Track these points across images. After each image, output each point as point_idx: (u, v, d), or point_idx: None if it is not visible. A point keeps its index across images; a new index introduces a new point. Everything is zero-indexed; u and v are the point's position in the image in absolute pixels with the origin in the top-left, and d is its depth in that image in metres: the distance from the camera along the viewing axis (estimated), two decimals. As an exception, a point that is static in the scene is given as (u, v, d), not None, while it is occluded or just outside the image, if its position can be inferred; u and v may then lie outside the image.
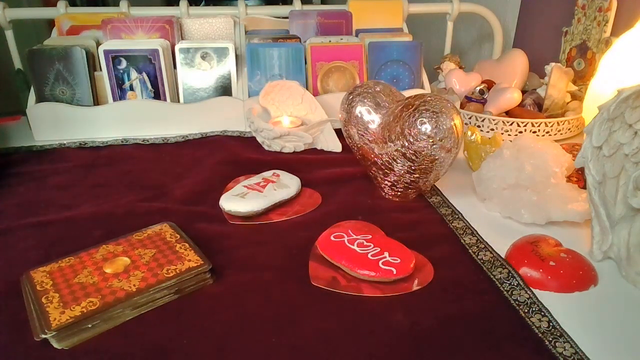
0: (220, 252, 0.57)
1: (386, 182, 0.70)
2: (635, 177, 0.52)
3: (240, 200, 0.65)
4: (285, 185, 0.70)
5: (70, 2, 1.09)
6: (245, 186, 0.68)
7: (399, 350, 0.43)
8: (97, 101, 0.97)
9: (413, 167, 0.65)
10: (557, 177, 0.64)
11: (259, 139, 0.90)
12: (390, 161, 0.66)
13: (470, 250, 0.58)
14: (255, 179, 0.71)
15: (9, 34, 1.12)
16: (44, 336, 0.43)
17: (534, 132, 0.89)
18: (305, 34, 1.09)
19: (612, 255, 0.56)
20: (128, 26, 1.01)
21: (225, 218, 0.65)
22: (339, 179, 0.77)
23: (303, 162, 0.83)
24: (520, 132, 0.90)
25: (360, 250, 0.54)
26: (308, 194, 0.72)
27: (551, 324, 0.46)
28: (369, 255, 0.53)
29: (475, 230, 0.63)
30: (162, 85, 0.97)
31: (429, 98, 0.63)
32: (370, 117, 0.69)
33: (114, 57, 0.94)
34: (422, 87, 1.04)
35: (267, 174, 0.73)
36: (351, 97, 0.71)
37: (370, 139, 0.69)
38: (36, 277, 0.49)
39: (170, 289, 0.49)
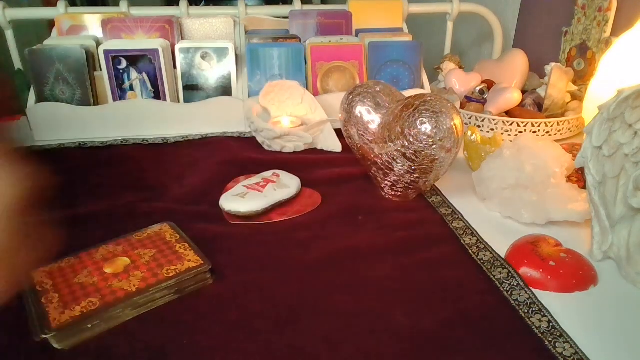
0: (220, 252, 0.57)
1: (386, 182, 0.70)
2: (635, 177, 0.52)
3: (240, 200, 0.65)
4: (285, 185, 0.70)
5: (70, 2, 1.09)
6: (245, 186, 0.68)
7: (399, 350, 0.43)
8: (97, 101, 0.97)
9: (413, 167, 0.65)
10: (557, 177, 0.64)
11: (259, 139, 0.90)
12: (390, 161, 0.66)
13: (470, 250, 0.58)
14: (255, 179, 0.71)
15: (9, 34, 1.12)
16: (44, 336, 0.43)
17: (534, 132, 0.89)
18: (305, 34, 1.09)
19: (612, 255, 0.56)
20: (128, 26, 1.01)
21: (225, 218, 0.65)
22: (339, 179, 0.77)
23: (303, 162, 0.83)
24: (520, 132, 0.90)
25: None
26: (308, 194, 0.72)
27: (551, 324, 0.46)
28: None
29: (475, 231, 0.63)
30: (162, 85, 0.97)
31: (429, 98, 0.63)
32: (370, 117, 0.69)
33: (114, 57, 0.94)
34: (422, 87, 1.04)
35: (267, 174, 0.73)
36: (351, 97, 0.71)
37: (370, 139, 0.69)
38: (36, 277, 0.49)
39: (170, 289, 0.49)
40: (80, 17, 1.04)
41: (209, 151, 0.88)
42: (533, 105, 0.96)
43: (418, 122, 0.62)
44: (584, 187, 0.62)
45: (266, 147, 0.90)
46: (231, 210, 0.65)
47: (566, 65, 1.08)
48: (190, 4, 1.14)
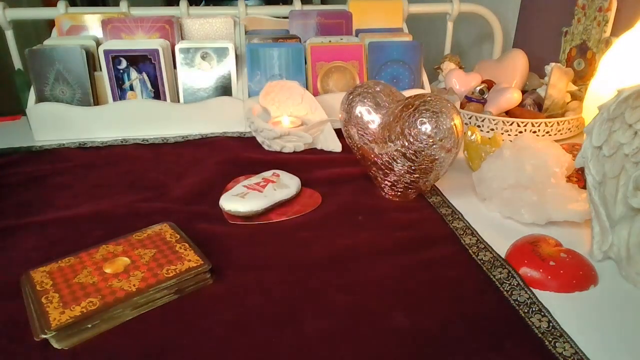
0: (220, 252, 0.57)
1: (386, 182, 0.70)
2: (635, 177, 0.52)
3: (240, 200, 0.65)
4: (285, 185, 0.70)
5: (70, 2, 1.09)
6: (245, 186, 0.68)
7: (399, 350, 0.43)
8: (97, 101, 0.97)
9: (413, 167, 0.65)
10: (557, 177, 0.64)
11: (259, 139, 0.90)
12: (390, 161, 0.66)
13: (470, 250, 0.58)
14: (255, 179, 0.71)
15: (9, 34, 1.12)
16: (43, 336, 0.43)
17: (534, 132, 0.89)
18: (305, 34, 1.09)
19: (612, 255, 0.56)
20: (128, 26, 1.01)
21: (225, 218, 0.65)
22: (339, 179, 0.77)
23: (303, 162, 0.83)
24: (520, 132, 0.89)
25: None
26: (308, 194, 0.72)
27: (551, 324, 0.46)
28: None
29: (475, 231, 0.63)
30: (162, 85, 0.97)
31: (429, 98, 0.63)
32: (370, 117, 0.69)
33: (114, 57, 0.94)
34: (422, 87, 1.04)
35: (267, 174, 0.73)
36: (351, 97, 0.71)
37: (370, 139, 0.69)
38: (36, 277, 0.49)
39: (170, 289, 0.49)
40: (80, 17, 1.04)
41: (209, 151, 0.88)
42: (533, 105, 0.96)
43: (418, 122, 0.62)
44: (584, 187, 0.62)
45: (266, 147, 0.90)
46: (231, 210, 0.65)
47: (566, 65, 1.08)
48: (190, 4, 1.14)
